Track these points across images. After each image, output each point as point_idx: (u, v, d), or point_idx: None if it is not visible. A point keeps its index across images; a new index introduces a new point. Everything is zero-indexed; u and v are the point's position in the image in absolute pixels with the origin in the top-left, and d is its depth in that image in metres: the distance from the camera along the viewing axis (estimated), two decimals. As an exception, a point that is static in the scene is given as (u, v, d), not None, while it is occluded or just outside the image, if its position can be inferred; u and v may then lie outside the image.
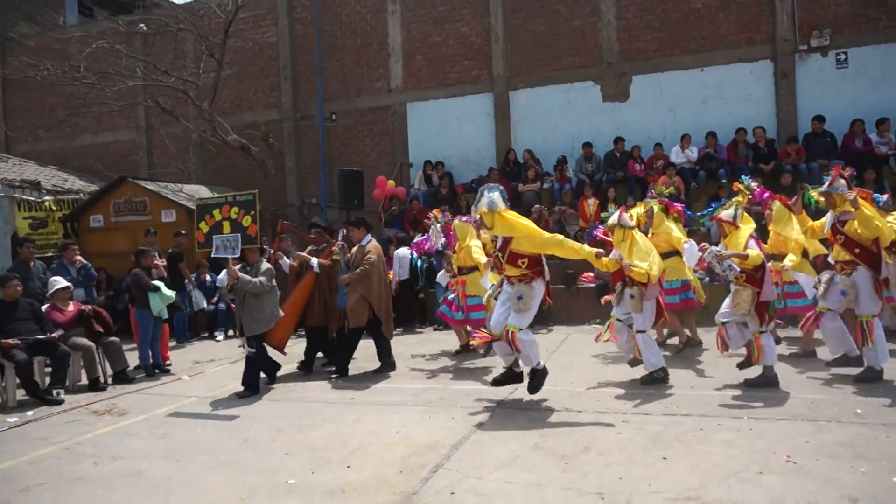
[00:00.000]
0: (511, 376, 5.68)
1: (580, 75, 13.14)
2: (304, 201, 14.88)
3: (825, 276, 6.11)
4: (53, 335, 6.84)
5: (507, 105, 13.58)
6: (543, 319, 9.26)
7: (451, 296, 7.75)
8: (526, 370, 5.55)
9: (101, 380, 7.21)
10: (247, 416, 5.66)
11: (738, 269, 5.39)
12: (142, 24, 14.46)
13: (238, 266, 6.48)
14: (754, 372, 5.69)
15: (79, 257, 8.82)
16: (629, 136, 12.48)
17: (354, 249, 7.17)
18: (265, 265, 6.62)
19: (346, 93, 14.78)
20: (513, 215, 5.44)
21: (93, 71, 13.35)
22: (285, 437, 4.96)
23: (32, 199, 12.07)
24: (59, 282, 7.49)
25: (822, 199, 5.98)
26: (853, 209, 5.47)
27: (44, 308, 7.24)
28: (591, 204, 11.47)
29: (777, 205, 6.57)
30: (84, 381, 7.26)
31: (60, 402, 6.53)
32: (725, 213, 5.85)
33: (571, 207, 11.65)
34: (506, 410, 5.40)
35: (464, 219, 7.52)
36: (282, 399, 6.24)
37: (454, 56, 13.95)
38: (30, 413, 6.15)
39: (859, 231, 5.56)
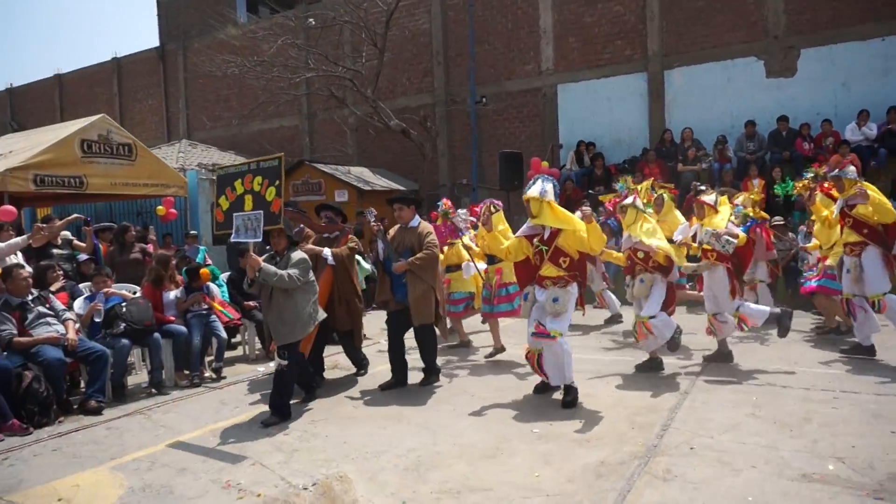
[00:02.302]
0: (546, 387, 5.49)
1: (741, 51, 12.76)
2: (456, 182, 15.64)
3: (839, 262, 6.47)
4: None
5: (662, 84, 13.47)
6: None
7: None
8: (556, 382, 5.29)
9: (315, 340, 8.24)
10: (460, 375, 6.36)
11: (735, 242, 5.86)
12: (311, 19, 15.69)
13: (265, 256, 5.21)
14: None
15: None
16: (795, 114, 12.03)
17: (395, 231, 6.00)
18: (298, 254, 5.24)
19: (496, 76, 15.27)
20: (562, 210, 5.33)
21: (272, 63, 14.72)
22: (508, 395, 5.57)
23: (227, 180, 13.64)
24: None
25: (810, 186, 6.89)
26: (865, 196, 5.93)
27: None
28: (756, 184, 11.22)
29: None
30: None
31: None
32: (708, 198, 6.27)
33: (733, 187, 11.46)
34: (705, 382, 5.69)
35: (497, 203, 7.03)
36: (476, 365, 6.89)
37: (607, 36, 13.99)
38: (271, 364, 7.22)
39: (875, 217, 5.96)
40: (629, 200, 6.06)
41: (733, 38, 12.80)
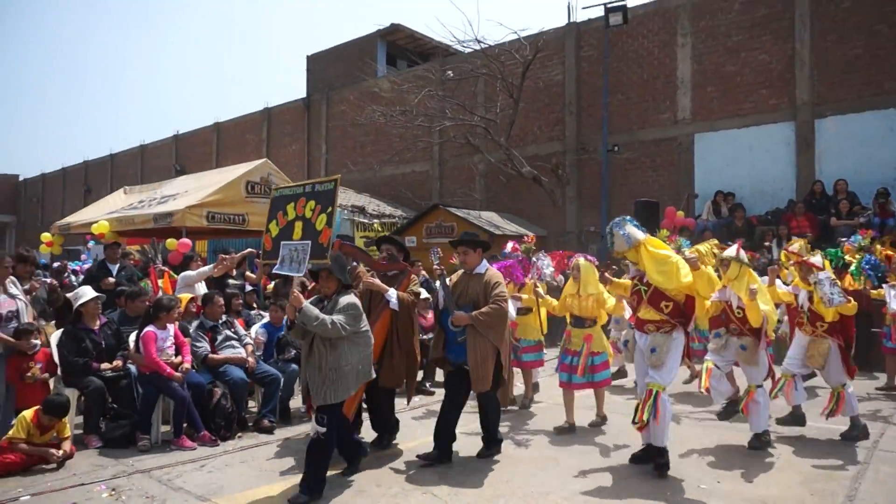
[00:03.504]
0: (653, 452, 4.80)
1: (906, 99, 11.94)
2: (583, 229, 15.61)
3: None
4: (424, 337, 8.27)
5: (812, 133, 12.84)
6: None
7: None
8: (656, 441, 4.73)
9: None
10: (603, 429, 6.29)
11: (845, 300, 5.29)
12: (449, 72, 16.55)
13: (313, 298, 4.56)
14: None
15: (423, 272, 10.45)
16: (971, 166, 11.02)
17: (458, 277, 5.21)
18: (348, 299, 4.38)
19: (629, 126, 15.24)
20: (658, 245, 4.78)
21: (415, 113, 15.62)
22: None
23: (366, 221, 14.51)
24: (424, 292, 9.01)
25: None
26: None
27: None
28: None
29: None
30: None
31: (432, 393, 7.88)
32: (815, 259, 5.63)
33: (893, 245, 10.56)
34: (884, 452, 5.26)
35: (589, 258, 6.31)
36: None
37: (750, 85, 13.61)
38: (416, 399, 7.51)
39: None
40: (731, 253, 5.42)
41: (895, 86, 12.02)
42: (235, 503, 4.19)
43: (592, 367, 6.03)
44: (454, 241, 5.28)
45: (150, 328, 5.51)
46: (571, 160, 16.05)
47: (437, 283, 5.18)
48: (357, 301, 4.45)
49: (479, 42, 15.23)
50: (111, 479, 4.63)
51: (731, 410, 5.66)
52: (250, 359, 6.13)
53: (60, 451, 4.89)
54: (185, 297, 6.94)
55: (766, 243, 11.53)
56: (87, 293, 5.85)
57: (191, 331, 6.03)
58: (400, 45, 22.59)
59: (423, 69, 17.59)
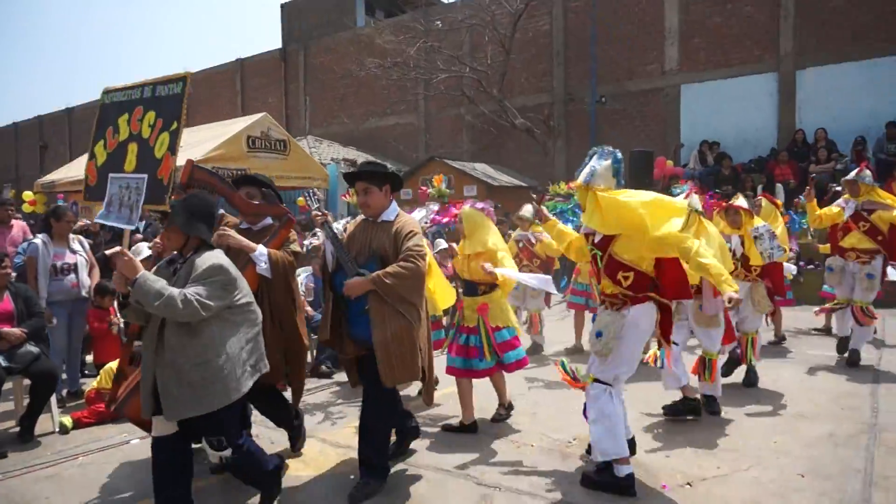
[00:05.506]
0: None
1: (886, 50, 12.57)
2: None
3: (835, 264, 6.47)
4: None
5: (794, 84, 13.45)
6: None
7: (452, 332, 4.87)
8: (593, 456, 3.63)
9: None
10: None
11: (783, 253, 5.45)
12: (438, 22, 16.46)
13: (163, 261, 3.19)
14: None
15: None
16: (945, 114, 11.80)
17: (355, 227, 3.72)
18: (208, 259, 2.94)
19: (616, 76, 15.58)
20: (615, 195, 3.37)
21: (408, 64, 15.57)
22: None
23: (362, 175, 14.60)
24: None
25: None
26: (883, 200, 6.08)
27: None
28: (900, 186, 11.10)
29: (764, 202, 6.69)
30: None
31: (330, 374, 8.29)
32: (741, 202, 5.62)
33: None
34: (885, 371, 5.95)
35: (479, 205, 4.80)
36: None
37: (735, 36, 14.06)
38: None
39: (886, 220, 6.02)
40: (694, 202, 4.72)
41: (878, 37, 12.63)
42: (336, 436, 4.54)
43: (499, 346, 4.51)
44: (348, 174, 3.72)
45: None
46: (559, 111, 16.36)
47: (321, 235, 3.86)
48: (225, 262, 2.99)
49: (472, -9, 15.16)
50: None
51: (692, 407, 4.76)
52: (308, 309, 6.39)
53: (149, 399, 5.12)
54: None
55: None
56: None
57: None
58: (378, -6, 22.19)
59: (408, 19, 17.41)
